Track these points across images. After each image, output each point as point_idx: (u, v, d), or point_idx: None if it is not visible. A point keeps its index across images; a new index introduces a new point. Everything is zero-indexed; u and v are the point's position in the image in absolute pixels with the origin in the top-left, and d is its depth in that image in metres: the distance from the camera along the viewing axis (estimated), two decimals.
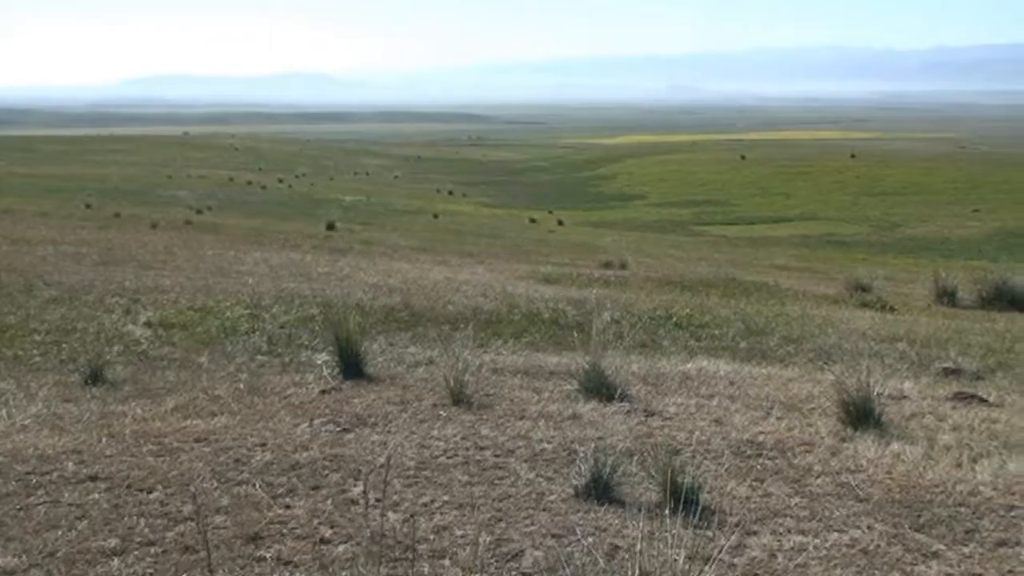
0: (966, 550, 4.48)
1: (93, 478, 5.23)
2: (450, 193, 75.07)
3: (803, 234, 53.64)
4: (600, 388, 7.04)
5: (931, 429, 6.46)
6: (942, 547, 4.50)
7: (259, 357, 8.84)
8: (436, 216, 51.38)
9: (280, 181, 70.04)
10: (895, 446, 5.93)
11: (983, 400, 7.58)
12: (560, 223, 52.98)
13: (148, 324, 10.20)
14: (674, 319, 11.63)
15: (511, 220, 54.52)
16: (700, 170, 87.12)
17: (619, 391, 6.99)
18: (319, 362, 8.28)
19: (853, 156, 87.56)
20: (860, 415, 6.37)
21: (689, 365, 8.76)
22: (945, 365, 9.44)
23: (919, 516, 4.84)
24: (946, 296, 16.65)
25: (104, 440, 5.91)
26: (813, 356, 9.86)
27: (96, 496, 4.98)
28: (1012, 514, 4.89)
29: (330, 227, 32.83)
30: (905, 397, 7.48)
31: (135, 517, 4.72)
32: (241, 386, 7.50)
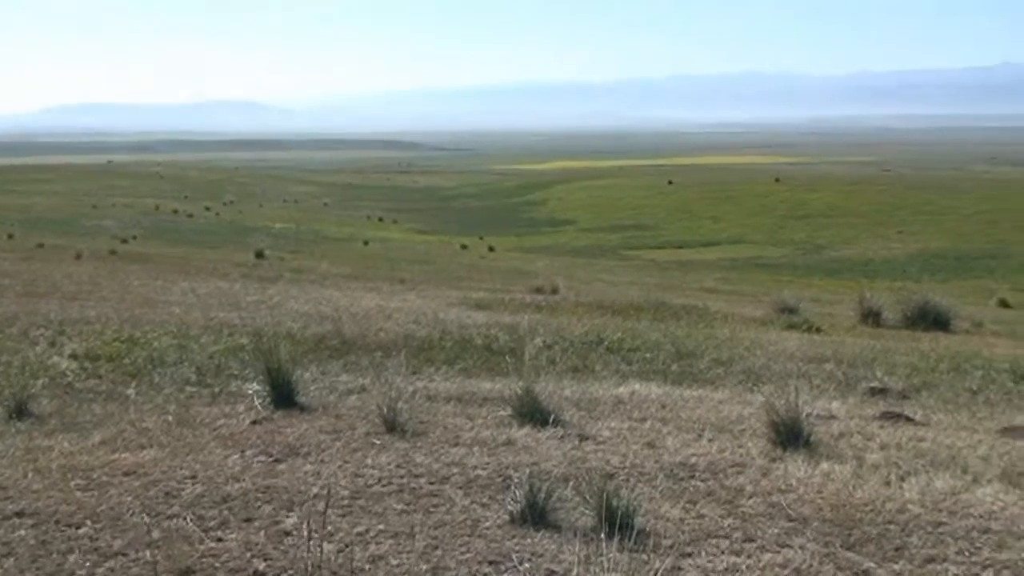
0: (896, 567, 4.55)
1: (19, 514, 5.12)
2: (380, 220, 75.01)
3: (731, 257, 54.37)
4: (534, 413, 7.05)
5: (859, 448, 6.55)
6: (872, 564, 4.57)
7: (188, 388, 8.71)
8: (367, 243, 51.26)
9: (207, 209, 69.45)
10: (825, 465, 6.01)
11: (909, 419, 7.71)
12: (491, 249, 53.15)
13: (74, 356, 10.01)
14: (606, 343, 11.68)
15: (442, 246, 54.58)
16: (628, 195, 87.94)
17: (552, 416, 7.01)
18: (250, 392, 8.17)
19: (778, 180, 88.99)
20: (790, 435, 6.45)
21: (621, 389, 8.80)
22: (872, 384, 9.59)
23: (849, 534, 4.91)
24: (871, 316, 16.90)
25: (30, 475, 5.79)
26: (743, 378, 9.96)
27: (23, 533, 4.87)
28: (940, 530, 4.98)
29: (259, 255, 32.61)
30: (833, 417, 7.59)
31: (64, 554, 4.62)
32: (170, 418, 7.38)
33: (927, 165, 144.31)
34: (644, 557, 4.52)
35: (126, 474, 5.82)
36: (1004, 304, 29.84)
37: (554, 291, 21.59)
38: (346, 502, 5.27)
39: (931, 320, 16.38)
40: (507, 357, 9.79)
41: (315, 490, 5.39)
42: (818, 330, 15.28)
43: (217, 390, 8.60)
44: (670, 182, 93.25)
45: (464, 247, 53.54)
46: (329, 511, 5.05)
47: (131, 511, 5.16)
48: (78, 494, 5.44)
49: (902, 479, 5.82)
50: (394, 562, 4.49)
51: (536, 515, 4.91)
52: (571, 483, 5.40)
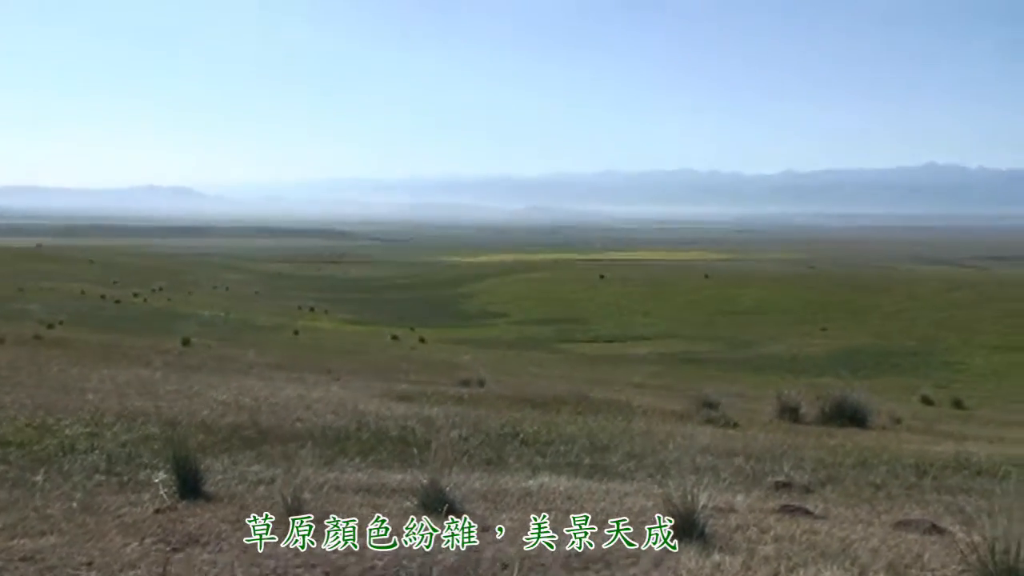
0: None
1: None
2: (311, 309, 74.79)
3: (660, 352, 54.88)
4: (438, 505, 7.12)
5: (754, 540, 6.71)
6: None
7: (97, 476, 8.66)
8: (296, 332, 51.06)
9: (135, 295, 68.84)
10: (716, 557, 6.15)
11: (808, 512, 7.89)
12: (422, 340, 53.18)
13: None
14: (521, 436, 11.81)
15: (373, 337, 54.47)
16: (560, 289, 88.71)
17: (456, 507, 7.09)
18: (156, 481, 8.16)
19: (707, 276, 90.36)
20: (685, 527, 6.59)
21: (531, 482, 8.91)
22: (778, 479, 9.79)
23: None
24: (788, 412, 17.23)
25: None
26: (653, 471, 10.11)
27: None
28: None
29: (186, 343, 32.40)
30: (733, 510, 7.75)
31: None
32: (74, 505, 7.35)
33: (852, 263, 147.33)
34: None
35: (23, 559, 5.80)
36: (926, 401, 30.49)
37: (481, 384, 21.70)
38: None
39: (848, 416, 16.72)
40: (421, 449, 9.85)
41: None
42: (735, 425, 15.55)
43: (126, 479, 8.56)
44: (602, 276, 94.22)
45: (395, 338, 53.50)
46: None
47: None
48: None
49: (791, 571, 5.97)
50: None
51: None
52: (463, 573, 5.48)
